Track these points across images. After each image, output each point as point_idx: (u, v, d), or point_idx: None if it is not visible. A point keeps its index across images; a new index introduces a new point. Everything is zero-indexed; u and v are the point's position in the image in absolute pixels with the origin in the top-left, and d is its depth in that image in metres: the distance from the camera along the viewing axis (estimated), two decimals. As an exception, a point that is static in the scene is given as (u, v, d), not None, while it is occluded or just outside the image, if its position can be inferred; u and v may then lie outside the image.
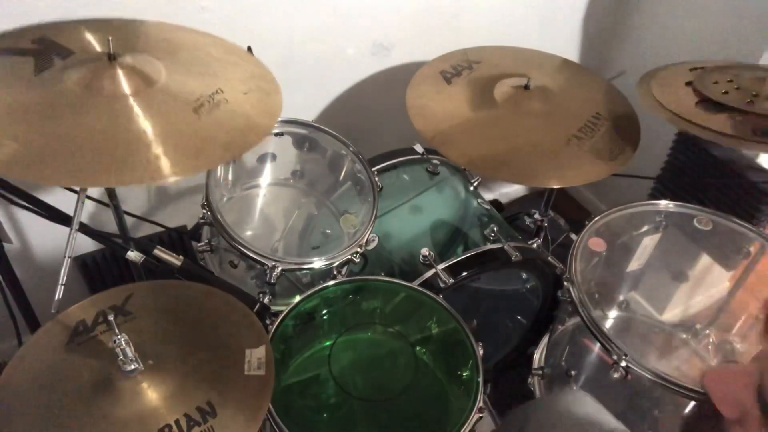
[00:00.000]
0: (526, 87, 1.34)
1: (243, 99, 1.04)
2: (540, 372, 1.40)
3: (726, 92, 1.21)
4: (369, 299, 1.17)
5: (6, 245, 1.12)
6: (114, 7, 1.18)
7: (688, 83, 1.28)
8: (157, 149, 0.88)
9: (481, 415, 0.98)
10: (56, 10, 1.12)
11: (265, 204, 1.44)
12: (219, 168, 1.25)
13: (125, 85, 0.95)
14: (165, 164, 0.87)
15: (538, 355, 1.46)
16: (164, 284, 1.05)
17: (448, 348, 1.12)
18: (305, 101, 1.58)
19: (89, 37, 1.06)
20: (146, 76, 0.98)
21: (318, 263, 1.18)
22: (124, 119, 0.91)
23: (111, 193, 1.19)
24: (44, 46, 1.02)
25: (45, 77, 0.95)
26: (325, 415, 1.03)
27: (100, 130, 0.88)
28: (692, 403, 1.07)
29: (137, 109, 0.93)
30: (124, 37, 1.07)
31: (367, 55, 1.57)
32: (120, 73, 0.95)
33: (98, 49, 1.04)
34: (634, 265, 1.40)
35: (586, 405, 0.98)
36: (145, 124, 0.91)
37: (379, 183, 1.32)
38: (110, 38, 0.96)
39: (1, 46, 1.02)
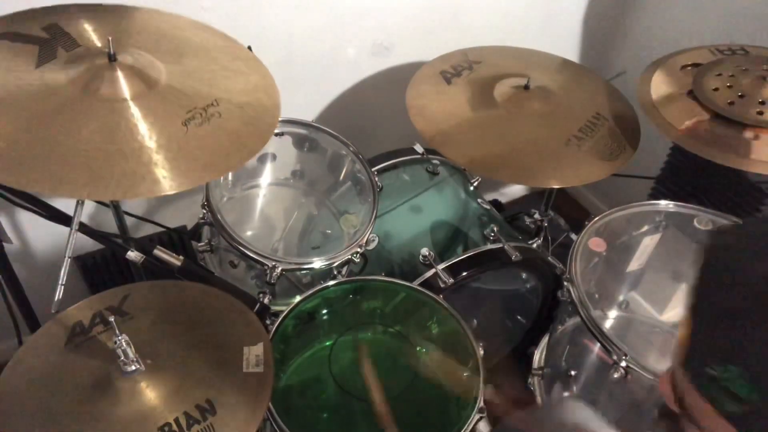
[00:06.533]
0: (526, 87, 1.34)
1: (237, 113, 1.00)
2: (540, 372, 1.40)
3: (731, 102, 1.20)
4: (369, 299, 1.17)
5: (6, 245, 1.12)
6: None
7: (689, 92, 1.27)
8: (154, 163, 0.86)
9: (481, 415, 0.98)
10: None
11: (265, 204, 1.44)
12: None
13: (124, 88, 0.92)
14: (162, 178, 0.85)
15: (538, 355, 1.46)
16: (160, 285, 1.05)
17: (448, 348, 1.11)
18: (305, 101, 1.58)
19: (95, 28, 1.03)
20: (146, 77, 0.95)
21: (318, 263, 1.18)
22: (120, 126, 0.88)
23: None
24: (52, 35, 0.98)
25: (44, 71, 0.92)
26: (325, 415, 1.03)
27: (94, 137, 0.86)
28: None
29: (135, 117, 0.90)
30: (130, 29, 1.04)
31: (367, 55, 1.57)
32: (120, 75, 0.92)
33: (98, 44, 1.00)
34: (634, 265, 1.40)
35: (578, 412, 0.98)
36: (142, 133, 0.89)
37: (379, 183, 1.32)
38: (110, 38, 0.94)
39: (10, 31, 0.96)
